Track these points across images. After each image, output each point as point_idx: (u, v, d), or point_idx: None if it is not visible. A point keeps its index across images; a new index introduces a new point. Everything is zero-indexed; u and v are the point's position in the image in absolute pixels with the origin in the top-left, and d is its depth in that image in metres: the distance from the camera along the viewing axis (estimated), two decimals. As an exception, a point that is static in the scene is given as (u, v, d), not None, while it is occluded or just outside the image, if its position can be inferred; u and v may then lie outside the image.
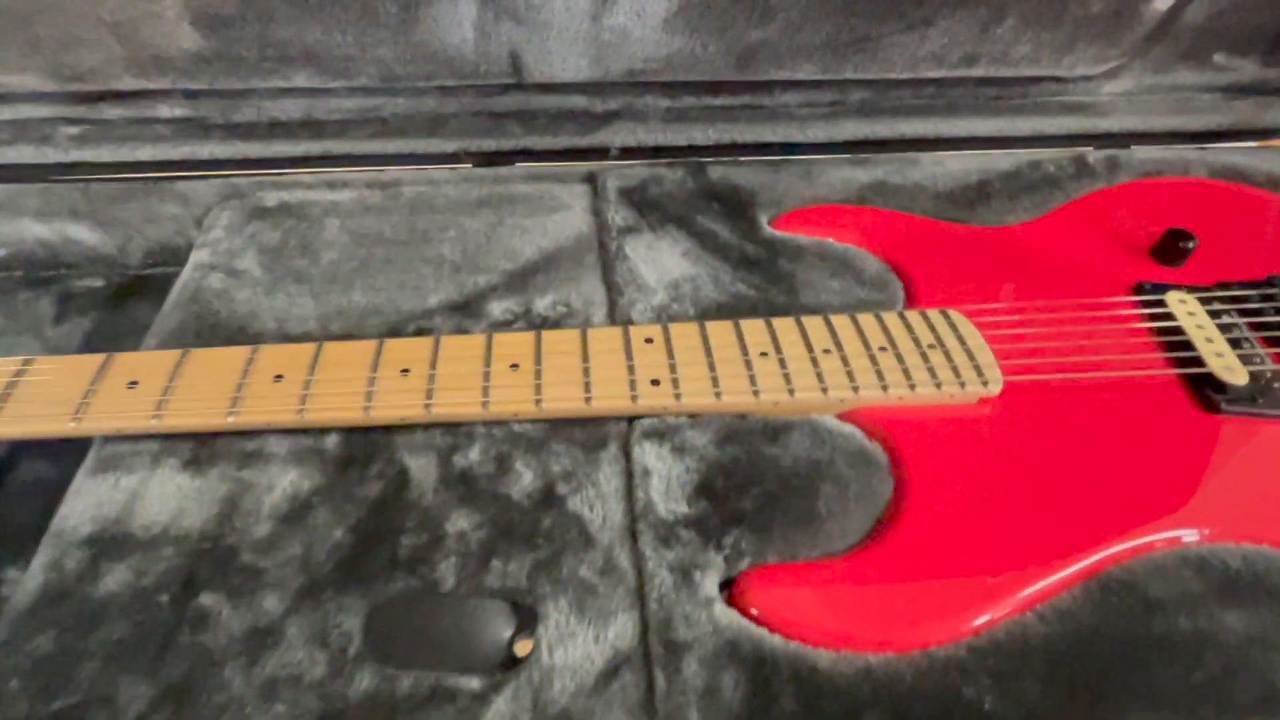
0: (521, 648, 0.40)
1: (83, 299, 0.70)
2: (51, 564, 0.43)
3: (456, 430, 0.50)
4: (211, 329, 0.56)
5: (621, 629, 0.40)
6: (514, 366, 0.51)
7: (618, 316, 0.58)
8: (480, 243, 0.64)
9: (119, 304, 0.70)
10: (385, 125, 0.70)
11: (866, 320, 0.56)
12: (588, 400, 0.50)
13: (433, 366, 0.51)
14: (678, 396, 0.50)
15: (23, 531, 0.55)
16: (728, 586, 0.43)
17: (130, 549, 0.43)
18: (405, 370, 0.51)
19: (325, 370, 0.51)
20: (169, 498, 0.46)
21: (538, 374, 0.51)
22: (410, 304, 0.59)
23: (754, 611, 0.42)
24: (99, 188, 0.68)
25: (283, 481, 0.47)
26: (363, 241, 0.64)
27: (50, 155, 0.67)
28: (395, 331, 0.57)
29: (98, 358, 0.51)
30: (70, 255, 0.71)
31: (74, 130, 0.67)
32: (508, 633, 0.40)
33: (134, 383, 0.50)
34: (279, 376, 0.51)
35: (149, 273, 0.73)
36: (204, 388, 0.49)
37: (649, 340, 0.54)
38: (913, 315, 0.56)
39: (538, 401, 0.50)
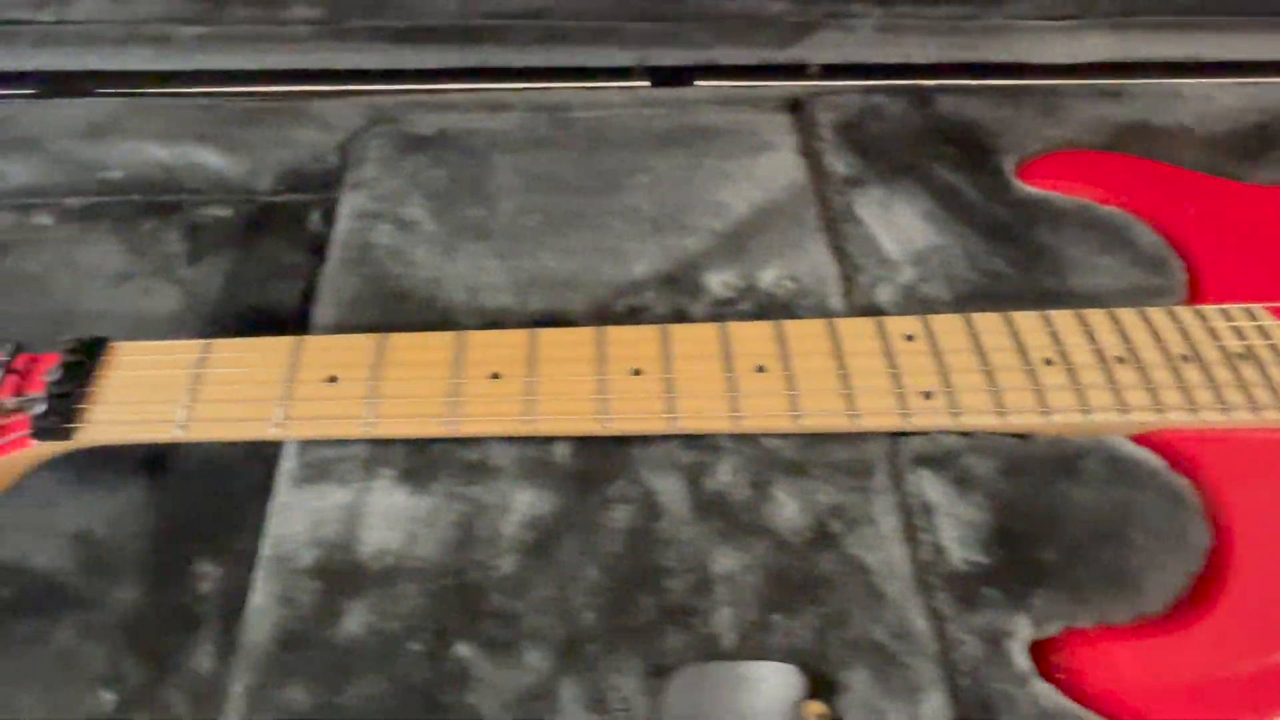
0: (812, 710, 0.37)
1: (213, 231, 0.63)
2: (282, 598, 0.39)
3: (699, 443, 0.44)
4: (396, 300, 0.49)
5: (934, 709, 0.36)
6: (760, 369, 0.45)
7: (856, 298, 0.50)
8: (678, 191, 0.55)
9: (254, 237, 0.62)
10: (550, 31, 0.59)
11: (1160, 319, 0.47)
12: (852, 416, 0.44)
13: (666, 366, 0.45)
14: (955, 414, 0.44)
15: (197, 514, 0.50)
16: (1035, 654, 0.39)
17: (365, 583, 0.39)
18: (637, 370, 0.45)
19: (546, 367, 0.44)
20: (395, 520, 0.41)
21: (789, 379, 0.45)
22: (613, 272, 0.51)
23: (1080, 688, 0.38)
24: (226, 108, 0.59)
25: (518, 503, 0.42)
26: (540, 186, 0.55)
27: (169, 60, 0.58)
28: (602, 309, 0.50)
29: (284, 342, 0.44)
30: (193, 180, 0.63)
31: (195, 31, 0.57)
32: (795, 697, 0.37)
33: (334, 378, 0.44)
34: (496, 375, 0.44)
35: (282, 199, 0.65)
36: (414, 386, 0.43)
37: (909, 337, 0.46)
38: (1211, 313, 0.48)
39: (795, 416, 0.43)
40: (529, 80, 0.61)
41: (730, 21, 0.60)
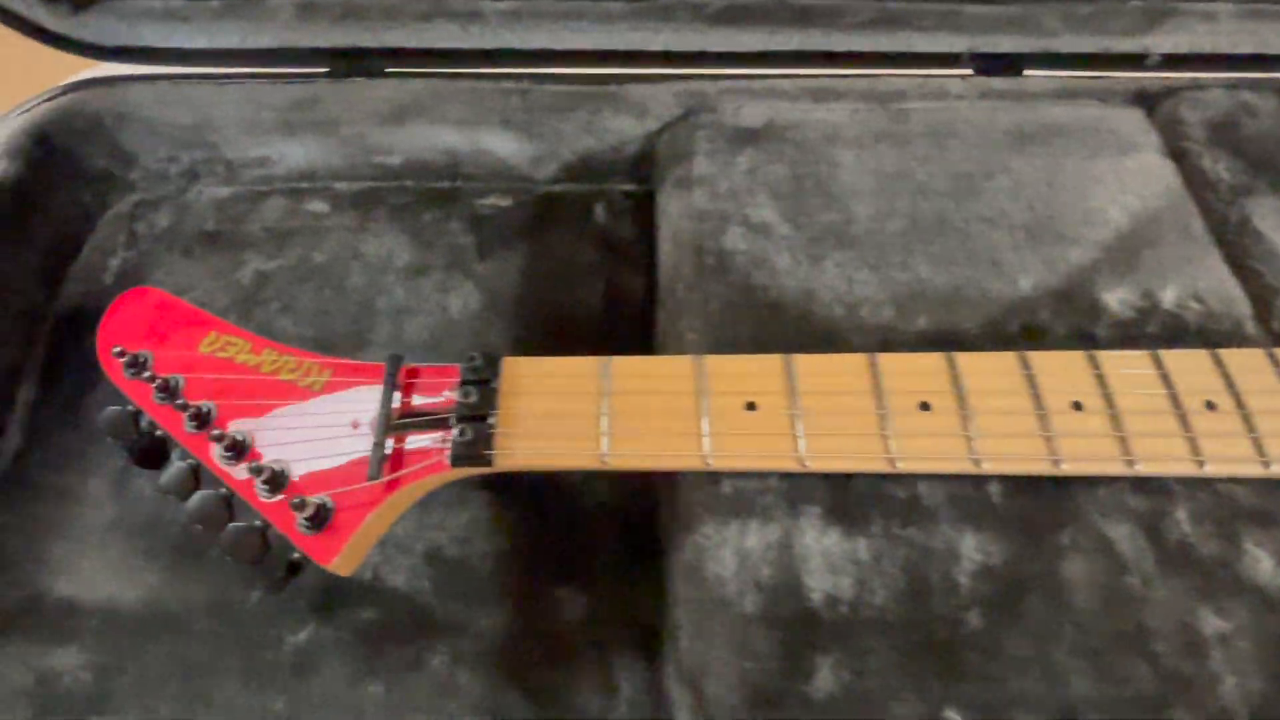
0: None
1: (496, 223, 0.59)
2: (739, 647, 0.35)
3: (1147, 485, 0.41)
4: (769, 313, 0.44)
5: None
6: (1210, 405, 0.41)
7: (1276, 324, 0.46)
8: (1045, 196, 0.50)
9: (539, 230, 0.59)
10: (885, 14, 0.54)
11: None
12: (1329, 463, 0.40)
13: (1108, 399, 0.41)
14: None
15: (548, 535, 0.46)
16: None
17: (825, 635, 0.36)
18: (1078, 404, 0.41)
19: (977, 398, 0.41)
20: (838, 564, 0.38)
21: (1245, 418, 0.41)
22: (998, 287, 0.47)
23: None
24: (537, 93, 0.54)
25: (965, 548, 0.39)
26: (894, 188, 0.51)
27: (475, 38, 0.53)
28: (996, 327, 0.45)
29: (684, 362, 0.40)
30: (473, 167, 0.59)
31: (504, 6, 0.53)
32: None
33: (752, 405, 0.40)
34: (925, 405, 0.41)
35: (560, 189, 0.61)
36: (841, 419, 0.38)
37: (1365, 372, 0.42)
38: None
39: (1264, 463, 0.40)
40: (840, 65, 0.56)
41: (1079, 6, 0.55)
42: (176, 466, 0.42)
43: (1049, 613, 0.37)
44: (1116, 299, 0.46)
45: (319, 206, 0.59)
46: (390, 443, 0.39)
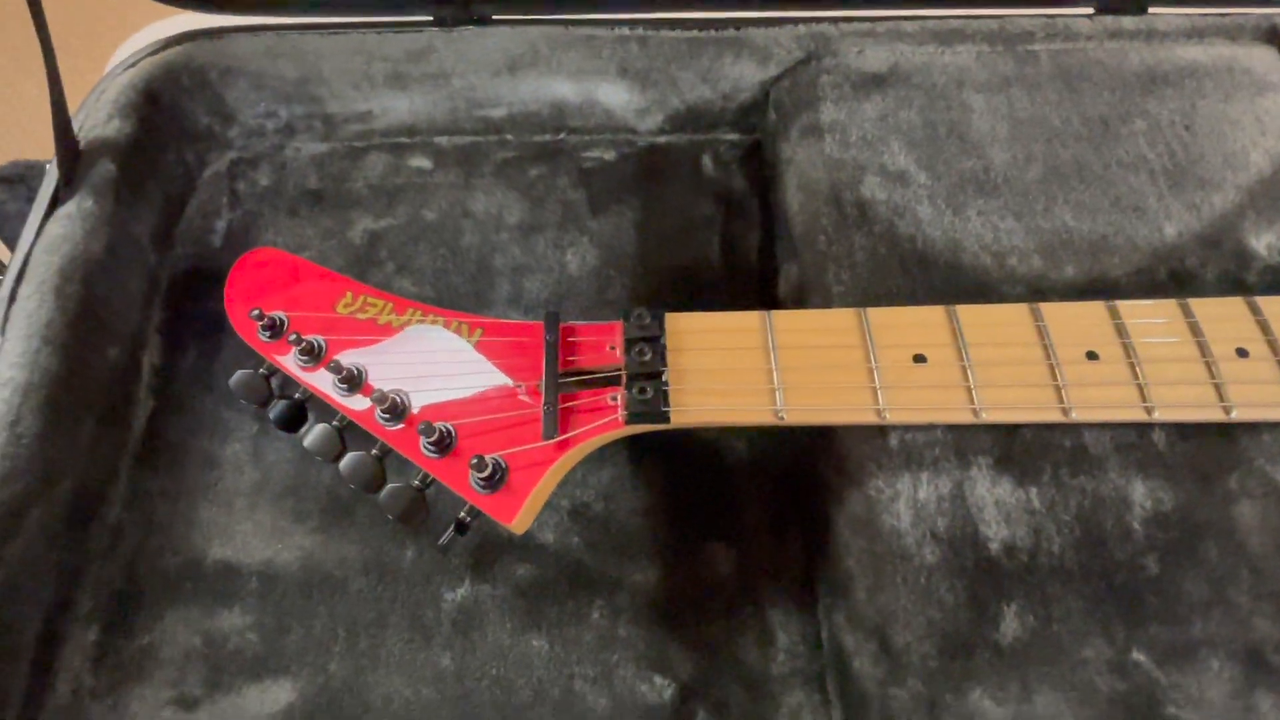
0: None
1: (604, 178, 0.58)
2: (925, 595, 0.36)
3: (1310, 430, 0.41)
4: (919, 265, 0.44)
5: None
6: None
7: None
8: (1184, 140, 0.49)
9: (647, 184, 0.57)
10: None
11: None
12: None
13: (1272, 345, 0.41)
14: None
15: (694, 490, 0.46)
16: None
17: (1008, 583, 0.37)
18: (1242, 350, 0.41)
19: (1142, 346, 0.40)
20: (1012, 513, 0.38)
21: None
22: (1144, 233, 0.46)
23: None
24: (659, 39, 0.52)
25: (1134, 495, 0.39)
26: (1029, 133, 0.49)
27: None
28: (1145, 275, 0.45)
29: (845, 315, 0.39)
30: (578, 120, 0.58)
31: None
32: None
33: (921, 357, 0.40)
34: (1092, 354, 0.40)
35: (665, 140, 0.60)
36: (1011, 370, 0.38)
37: None
38: None
39: None
40: (963, 5, 0.54)
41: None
42: (321, 428, 0.42)
43: (1224, 557, 0.37)
44: (1264, 244, 0.46)
45: (422, 163, 0.58)
46: (558, 400, 0.39)
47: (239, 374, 0.43)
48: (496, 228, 0.55)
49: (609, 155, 0.59)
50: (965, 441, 0.40)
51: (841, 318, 0.41)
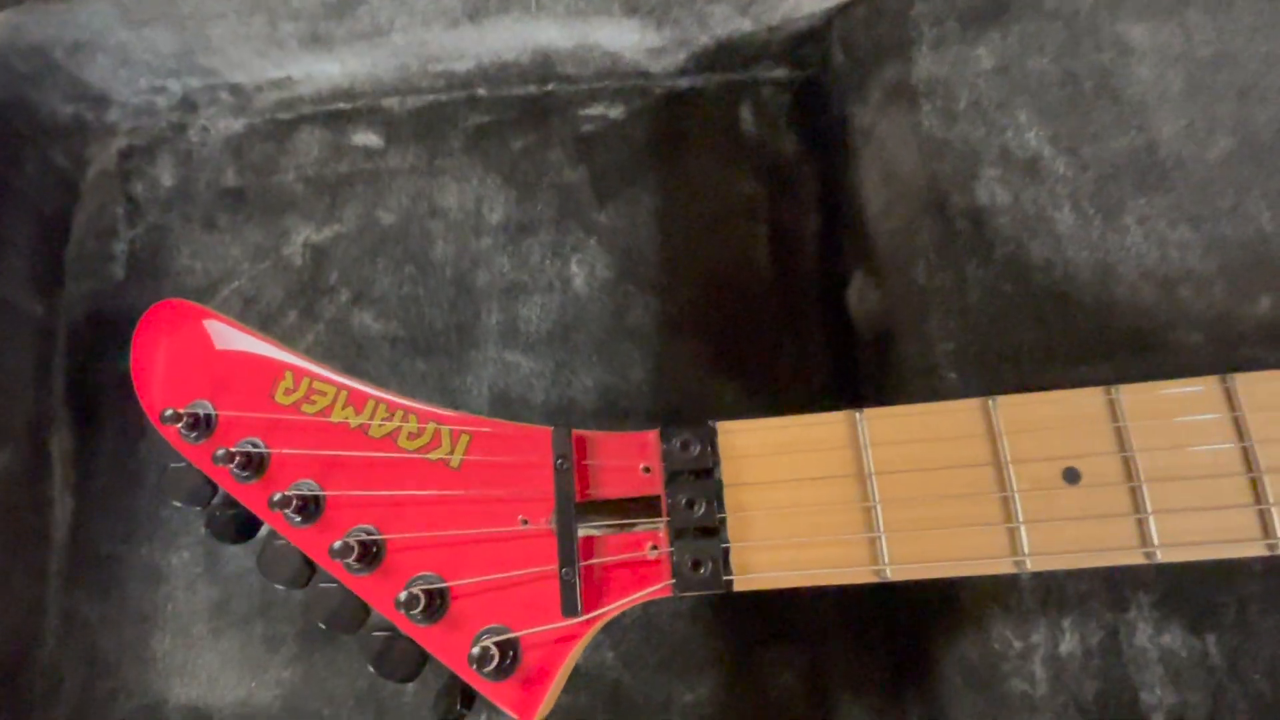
0: None
1: (609, 146, 0.43)
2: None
3: None
4: (1055, 306, 0.31)
5: None
6: None
7: None
8: None
9: (669, 152, 0.43)
10: None
11: None
12: None
13: None
14: None
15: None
16: None
17: None
18: None
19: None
20: (1177, 670, 0.29)
21: None
22: (1368, 241, 0.34)
23: None
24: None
25: None
26: (1214, 84, 0.34)
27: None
28: (1366, 304, 0.34)
29: (955, 409, 0.28)
30: (572, 66, 0.43)
31: None
32: None
33: (1073, 471, 0.29)
34: None
35: (684, 85, 0.44)
36: (1193, 479, 0.27)
37: None
38: None
39: None
40: None
41: None
42: (278, 547, 0.33)
43: None
44: None
45: (369, 139, 0.44)
46: (578, 558, 0.29)
47: (169, 471, 0.34)
48: (475, 230, 0.43)
49: (615, 111, 0.44)
50: (1122, 572, 0.30)
51: (963, 417, 0.29)
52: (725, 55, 0.43)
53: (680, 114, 0.44)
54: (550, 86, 0.44)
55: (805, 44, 0.43)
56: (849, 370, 0.39)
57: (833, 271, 0.41)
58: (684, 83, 0.44)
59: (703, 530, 0.28)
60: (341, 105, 0.44)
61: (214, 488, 0.34)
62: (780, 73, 0.44)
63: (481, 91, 0.44)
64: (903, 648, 0.35)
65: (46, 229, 0.40)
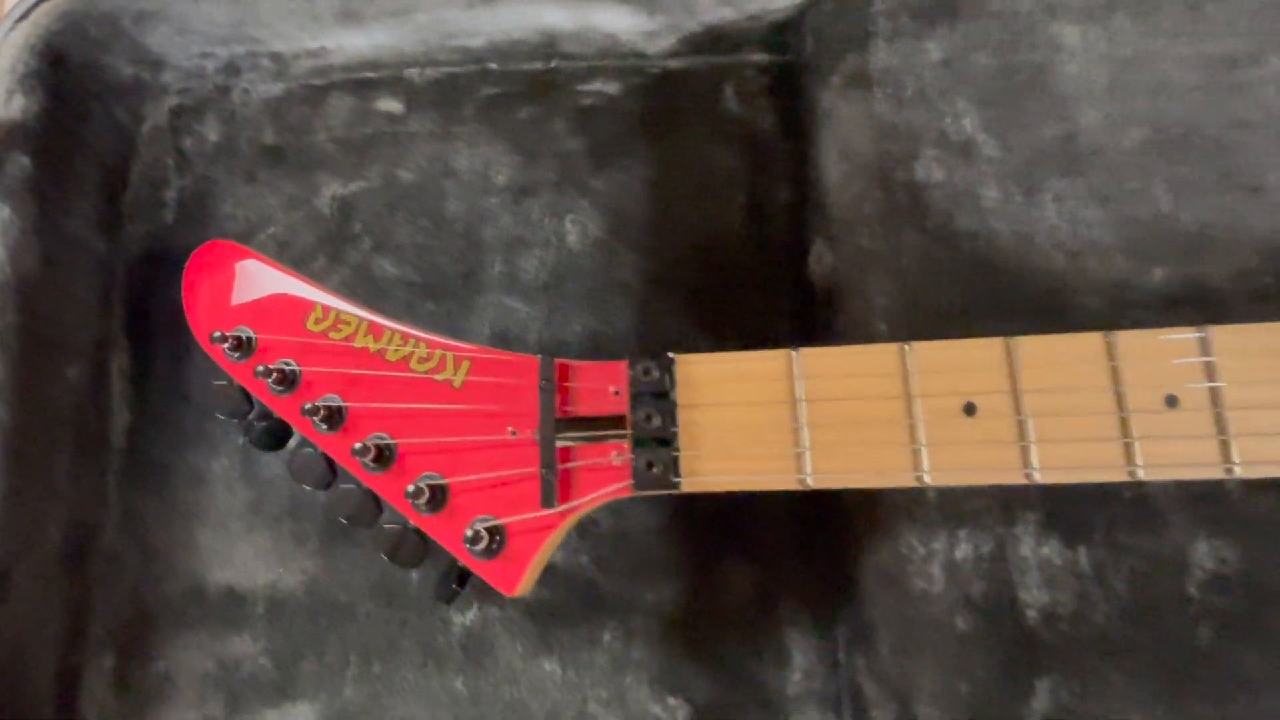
0: None
1: (606, 119, 0.48)
2: (950, 667, 0.34)
3: None
4: (979, 272, 0.37)
5: None
6: None
7: None
8: (1326, 85, 0.40)
9: (660, 126, 0.48)
10: None
11: None
12: None
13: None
14: None
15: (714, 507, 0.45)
16: None
17: (1043, 657, 0.34)
18: (1357, 390, 0.35)
19: (1235, 387, 0.34)
20: (1057, 578, 0.35)
21: None
22: (1257, 222, 0.37)
23: None
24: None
25: (1195, 556, 0.35)
26: (1132, 81, 0.39)
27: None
28: (1250, 279, 0.37)
29: (885, 351, 0.33)
30: (575, 45, 0.47)
31: None
32: None
33: (971, 407, 0.35)
34: (1172, 399, 0.35)
35: (676, 66, 0.49)
36: (1074, 416, 0.32)
37: None
38: None
39: None
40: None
41: None
42: (306, 454, 0.39)
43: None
44: (1403, 233, 0.38)
45: (392, 105, 0.49)
46: (557, 461, 0.35)
47: (216, 387, 0.39)
48: (484, 190, 0.48)
49: (612, 88, 0.49)
50: (1012, 494, 0.36)
51: (881, 357, 0.35)
52: (713, 40, 0.48)
53: (671, 92, 0.49)
54: (554, 63, 0.49)
55: (785, 32, 0.47)
56: (807, 325, 0.44)
57: (799, 238, 0.46)
58: (675, 64, 0.49)
59: (658, 441, 0.33)
60: (369, 74, 0.49)
61: (251, 403, 0.40)
62: (762, 57, 0.49)
63: (493, 66, 0.49)
64: (838, 560, 0.41)
65: (109, 176, 0.46)
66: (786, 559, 0.43)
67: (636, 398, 0.35)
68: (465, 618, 0.43)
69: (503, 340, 0.46)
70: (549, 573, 0.44)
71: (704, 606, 0.43)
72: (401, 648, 0.42)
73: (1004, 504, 0.35)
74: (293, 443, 0.39)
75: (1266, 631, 0.34)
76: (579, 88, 0.49)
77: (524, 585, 0.36)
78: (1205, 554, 0.35)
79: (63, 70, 0.42)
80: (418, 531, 0.37)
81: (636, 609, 0.42)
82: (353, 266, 0.47)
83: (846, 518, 0.39)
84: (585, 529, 0.44)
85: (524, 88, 0.49)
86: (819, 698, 0.41)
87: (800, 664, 0.42)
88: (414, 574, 0.43)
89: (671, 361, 0.35)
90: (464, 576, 0.38)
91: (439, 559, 0.37)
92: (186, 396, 0.46)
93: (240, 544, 0.44)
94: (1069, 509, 0.35)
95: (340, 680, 0.42)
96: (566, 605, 0.43)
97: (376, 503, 0.38)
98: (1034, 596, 0.35)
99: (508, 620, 0.43)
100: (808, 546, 0.43)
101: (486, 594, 0.44)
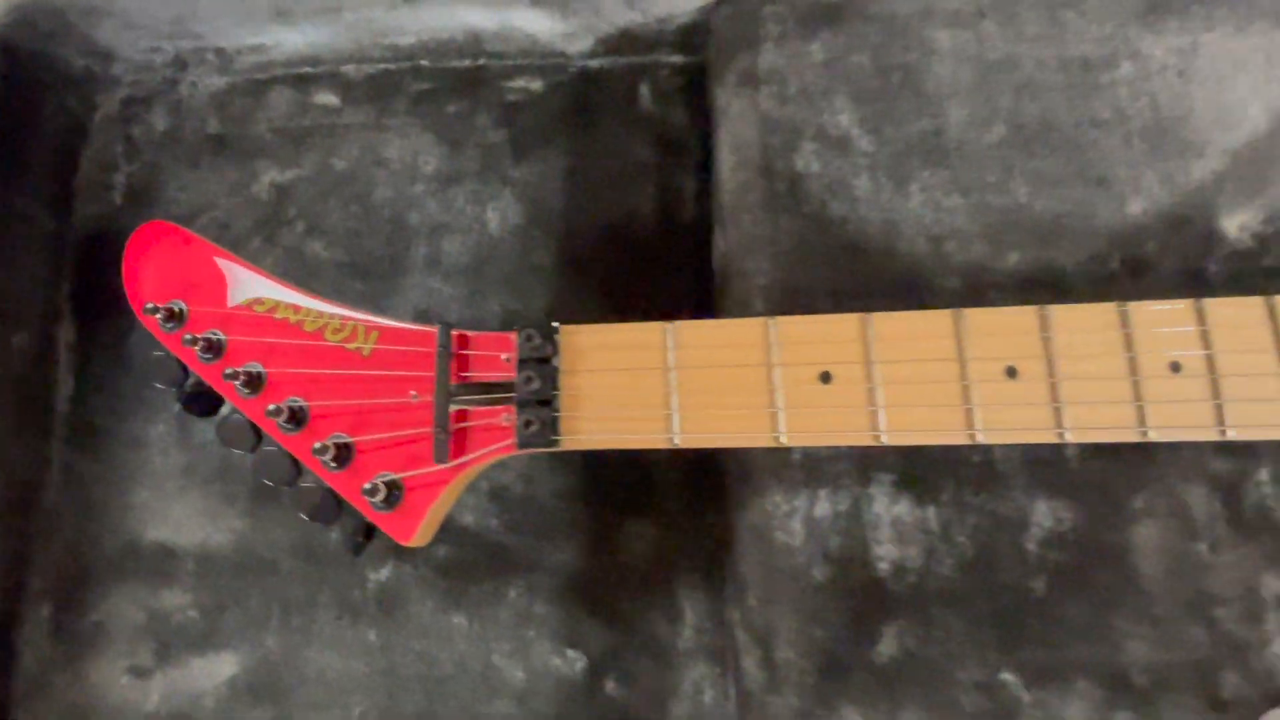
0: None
1: (529, 114, 0.52)
2: (810, 615, 0.37)
3: (1232, 446, 0.39)
4: (847, 254, 0.40)
5: None
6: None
7: None
8: (1174, 89, 0.42)
9: (578, 121, 0.51)
10: None
11: None
12: None
13: (1210, 361, 0.38)
14: None
15: (611, 472, 0.48)
16: None
17: (893, 604, 0.37)
18: (1175, 365, 0.38)
19: (1068, 361, 0.38)
20: (907, 534, 0.38)
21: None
22: (1104, 212, 0.41)
23: None
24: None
25: (1035, 515, 0.38)
26: (996, 82, 0.43)
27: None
28: (1097, 263, 0.41)
29: (753, 325, 0.36)
30: (499, 44, 0.51)
31: None
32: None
33: (826, 375, 0.38)
34: (1012, 370, 0.38)
35: (597, 65, 0.52)
36: (921, 389, 0.36)
37: None
38: None
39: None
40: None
41: None
42: (234, 420, 0.42)
43: (1114, 580, 0.37)
44: (1236, 224, 0.41)
45: (329, 99, 0.53)
46: (449, 421, 0.38)
47: (152, 356, 0.42)
48: (411, 178, 0.51)
49: (536, 85, 0.52)
50: (870, 457, 0.39)
51: (747, 330, 0.38)
52: (628, 41, 0.51)
53: (591, 90, 0.52)
54: (481, 61, 0.52)
55: (694, 34, 0.51)
56: (705, 304, 0.47)
57: (704, 225, 0.49)
58: (595, 63, 0.52)
59: (540, 403, 0.37)
60: (307, 69, 0.52)
61: (186, 373, 0.43)
62: (676, 58, 0.52)
63: (424, 63, 0.52)
64: (722, 521, 0.43)
65: (60, 160, 0.49)
66: (683, 522, 0.46)
67: (523, 363, 0.38)
68: (381, 574, 0.46)
69: (425, 319, 0.49)
70: (460, 533, 0.47)
71: (604, 566, 0.46)
72: (320, 601, 0.45)
73: (862, 467, 0.38)
74: (224, 411, 0.43)
75: (1094, 585, 0.37)
76: (504, 84, 0.52)
77: (420, 535, 0.39)
78: (1044, 513, 0.38)
79: (12, 60, 0.46)
80: (329, 489, 0.40)
81: (541, 568, 0.46)
82: (286, 248, 0.50)
83: (731, 482, 0.42)
84: (498, 494, 0.47)
85: (453, 84, 0.52)
86: (708, 652, 0.44)
87: (691, 620, 0.45)
88: (334, 534, 0.46)
89: (555, 330, 0.38)
90: (370, 530, 0.42)
91: (357, 517, 0.40)
92: (127, 366, 0.49)
93: (174, 504, 0.47)
94: (921, 472, 0.38)
95: (262, 631, 0.45)
96: (475, 564, 0.46)
97: (296, 464, 0.42)
98: (885, 551, 0.38)
99: (420, 577, 0.46)
100: (701, 511, 0.46)
101: (402, 553, 0.47)
